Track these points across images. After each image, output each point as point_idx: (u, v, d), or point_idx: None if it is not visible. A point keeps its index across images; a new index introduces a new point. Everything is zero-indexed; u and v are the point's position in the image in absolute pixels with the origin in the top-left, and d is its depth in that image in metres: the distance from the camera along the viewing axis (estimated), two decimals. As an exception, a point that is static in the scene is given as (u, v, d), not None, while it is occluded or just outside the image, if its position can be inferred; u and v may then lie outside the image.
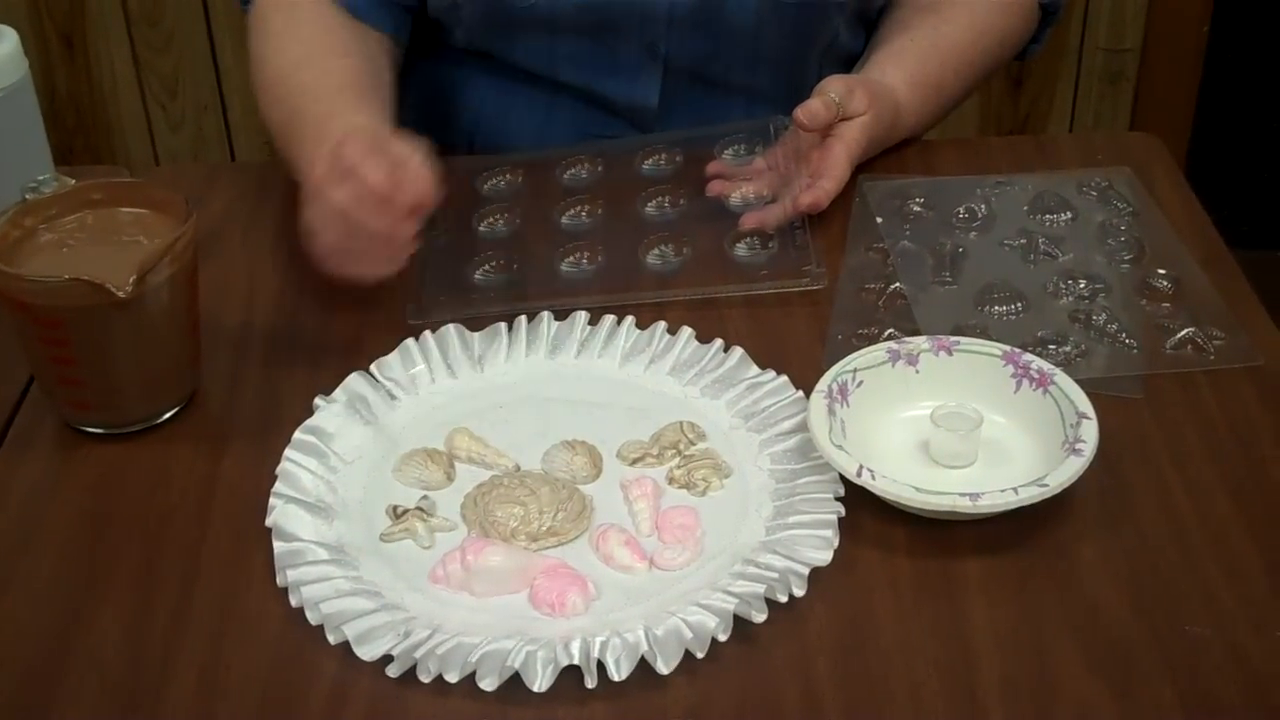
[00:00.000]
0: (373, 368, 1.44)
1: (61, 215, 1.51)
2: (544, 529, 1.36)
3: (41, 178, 1.56)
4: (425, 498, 1.42)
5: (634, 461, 1.40)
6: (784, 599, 1.29)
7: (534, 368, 1.46)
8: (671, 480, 1.36)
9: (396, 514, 1.40)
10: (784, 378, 1.40)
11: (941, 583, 1.30)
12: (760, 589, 1.28)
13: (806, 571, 1.31)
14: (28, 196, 1.50)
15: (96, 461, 1.41)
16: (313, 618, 1.30)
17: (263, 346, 1.54)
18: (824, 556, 1.33)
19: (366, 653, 1.26)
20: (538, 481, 1.40)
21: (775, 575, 1.29)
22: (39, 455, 1.43)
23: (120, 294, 1.38)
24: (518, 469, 1.45)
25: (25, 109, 1.60)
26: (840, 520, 1.35)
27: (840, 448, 1.38)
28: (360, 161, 1.31)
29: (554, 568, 1.34)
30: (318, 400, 1.46)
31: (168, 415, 1.44)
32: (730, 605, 1.27)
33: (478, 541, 1.34)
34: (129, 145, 3.26)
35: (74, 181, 1.54)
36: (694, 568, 1.34)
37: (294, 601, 1.31)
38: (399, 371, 1.43)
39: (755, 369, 1.41)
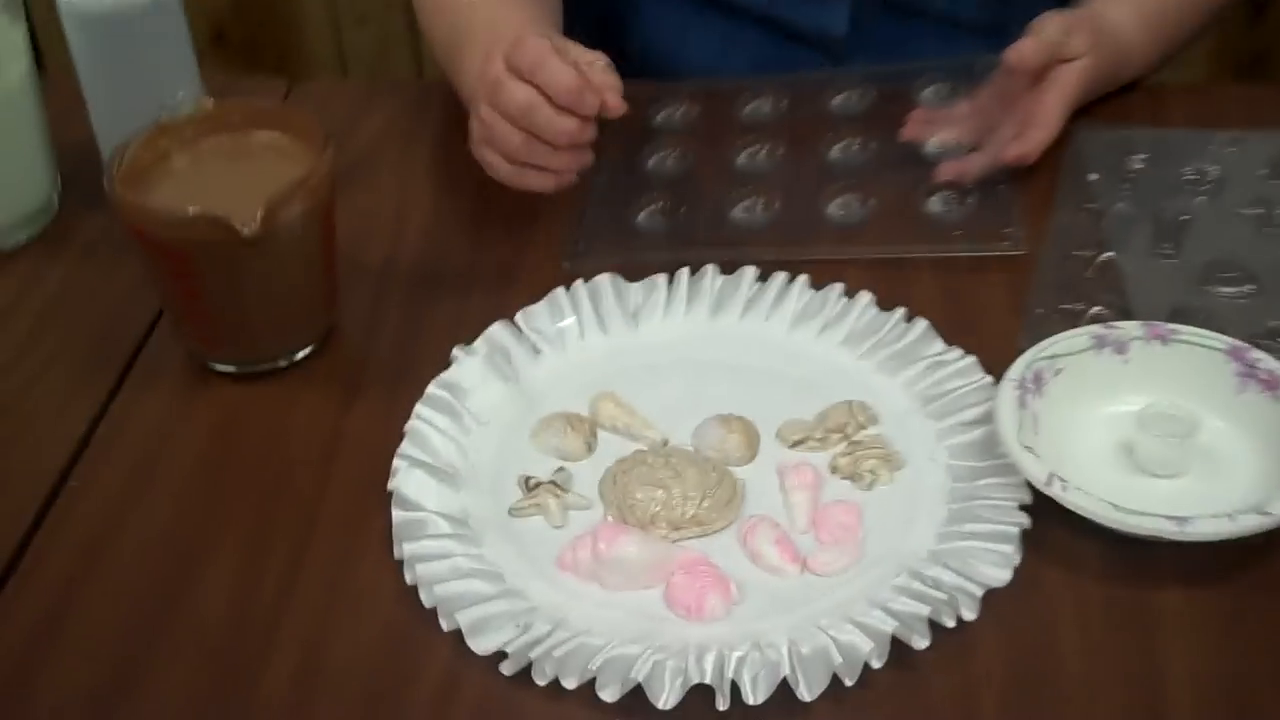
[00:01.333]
0: (518, 317, 1.32)
1: (198, 138, 1.41)
2: (688, 516, 1.22)
3: (180, 95, 1.45)
4: (561, 469, 1.29)
5: (795, 444, 1.24)
6: (950, 624, 1.13)
7: (693, 327, 1.31)
8: (835, 469, 1.20)
9: (529, 486, 1.27)
10: (972, 358, 1.26)
11: (1136, 615, 1.12)
12: (924, 611, 1.12)
13: (980, 593, 1.15)
14: (164, 117, 1.39)
15: (221, 402, 1.34)
16: (427, 599, 1.18)
17: (406, 285, 1.44)
18: (1002, 575, 1.16)
19: (480, 645, 1.13)
20: (685, 461, 1.26)
21: (943, 596, 1.13)
22: (164, 390, 1.36)
23: (245, 231, 1.27)
24: (665, 444, 1.29)
25: (170, 20, 1.48)
26: (1024, 533, 1.18)
27: (1029, 449, 1.20)
28: (545, 58, 1.20)
29: (694, 563, 1.19)
30: (456, 351, 1.32)
31: (300, 355, 1.36)
32: (888, 627, 1.11)
33: (612, 528, 1.20)
34: (310, 41, 3.17)
35: (212, 102, 1.42)
36: (851, 575, 1.18)
37: (409, 578, 1.20)
38: (546, 323, 1.31)
39: (940, 345, 1.27)
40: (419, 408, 1.32)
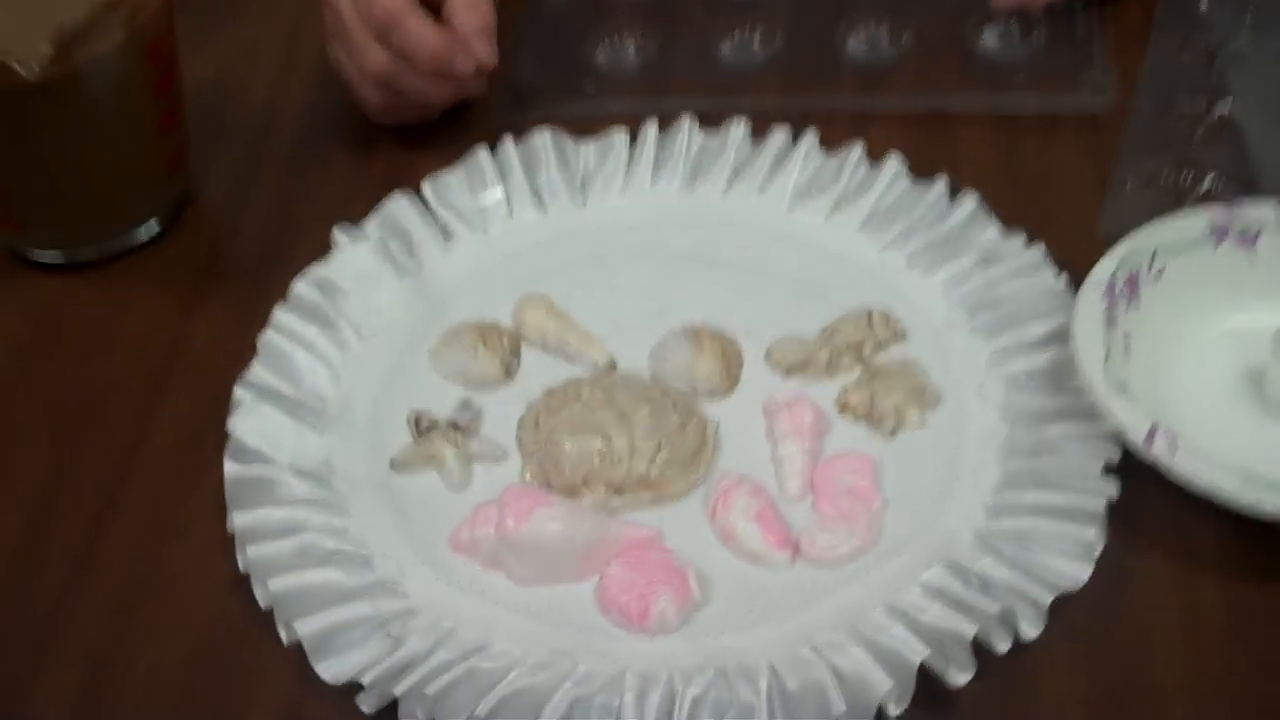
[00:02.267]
0: (425, 188, 1.04)
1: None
2: (635, 477, 0.86)
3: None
4: (467, 405, 0.93)
5: (790, 370, 0.90)
6: (1004, 647, 0.78)
7: (661, 203, 1.04)
8: (844, 408, 0.86)
9: (420, 428, 0.91)
10: (1039, 248, 0.97)
11: (1268, 625, 0.77)
12: (968, 629, 0.77)
13: (1049, 599, 0.79)
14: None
15: (36, 302, 1.07)
16: (262, 597, 0.83)
17: (287, 146, 1.17)
18: (1078, 573, 0.81)
19: (329, 669, 0.79)
20: (635, 396, 0.90)
21: (993, 605, 0.79)
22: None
23: (27, 73, 0.91)
24: (612, 368, 0.94)
25: None
26: (1110, 508, 0.82)
27: (1123, 388, 0.84)
28: (400, 18, 1.02)
29: (641, 546, 0.85)
30: (338, 233, 0.98)
31: (141, 239, 1.09)
32: (915, 656, 0.76)
33: (526, 494, 0.85)
34: None
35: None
36: (862, 567, 0.83)
37: (241, 564, 0.85)
38: (462, 196, 1.04)
39: (995, 229, 0.99)
40: (277, 313, 0.97)
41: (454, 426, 0.93)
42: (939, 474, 0.89)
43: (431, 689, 0.78)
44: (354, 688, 0.80)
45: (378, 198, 1.02)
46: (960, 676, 0.78)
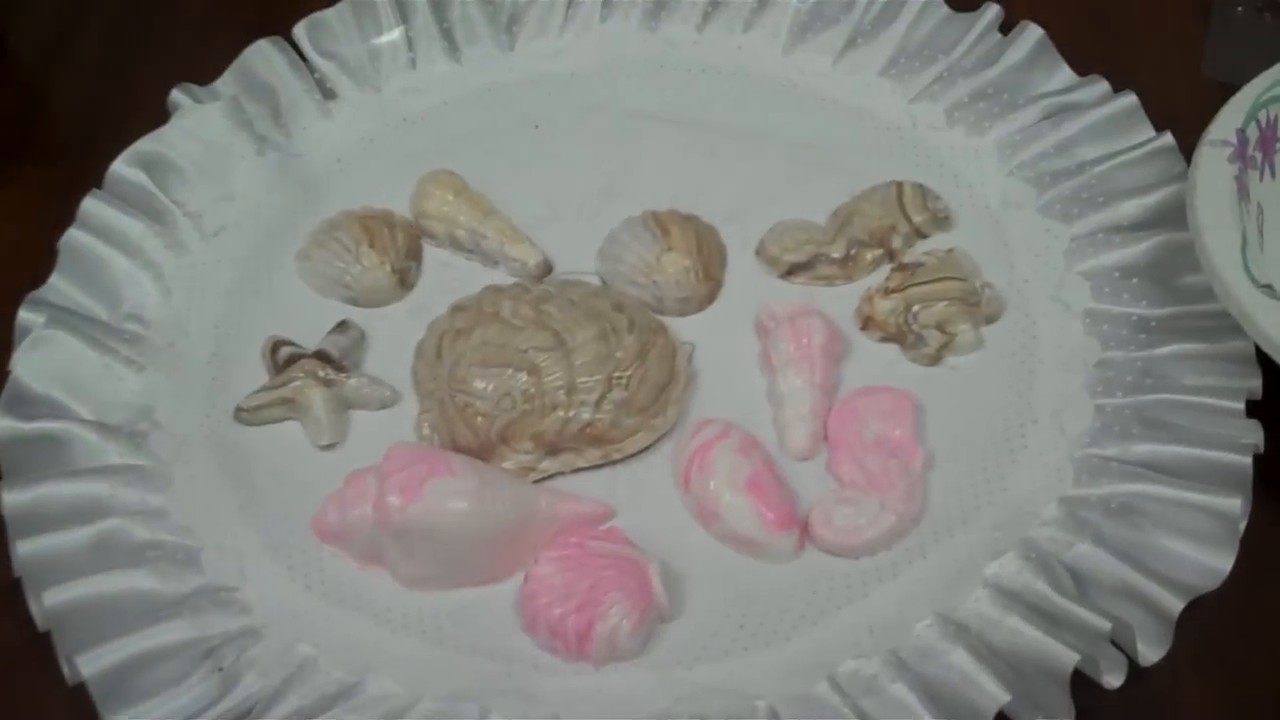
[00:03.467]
0: (299, 31, 0.81)
1: None
2: (575, 428, 0.60)
3: None
4: (345, 329, 0.66)
5: (791, 270, 0.65)
6: (1115, 682, 0.52)
7: (613, 46, 0.83)
8: (868, 322, 0.62)
9: (277, 361, 0.65)
10: (1128, 96, 0.72)
11: None
12: (1065, 661, 0.52)
13: (1179, 608, 0.53)
14: None
15: None
16: (37, 615, 0.57)
17: None
18: (1217, 563, 0.56)
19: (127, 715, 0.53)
20: (576, 313, 0.64)
21: (1099, 621, 0.53)
22: None
23: None
24: (545, 272, 0.67)
25: None
26: (1257, 465, 0.56)
27: (1267, 287, 0.57)
28: None
29: (583, 531, 0.58)
30: (177, 95, 0.77)
31: None
32: (987, 702, 0.50)
33: (417, 456, 0.59)
34: None
35: None
36: (903, 554, 0.58)
37: (13, 565, 0.58)
38: (349, 42, 0.82)
39: (1066, 72, 0.75)
40: (87, 205, 0.70)
41: (324, 359, 0.66)
42: (1005, 416, 0.63)
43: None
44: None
45: (238, 48, 0.75)
46: (1042, 727, 0.53)
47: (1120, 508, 0.59)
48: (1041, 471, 0.62)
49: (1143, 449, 0.61)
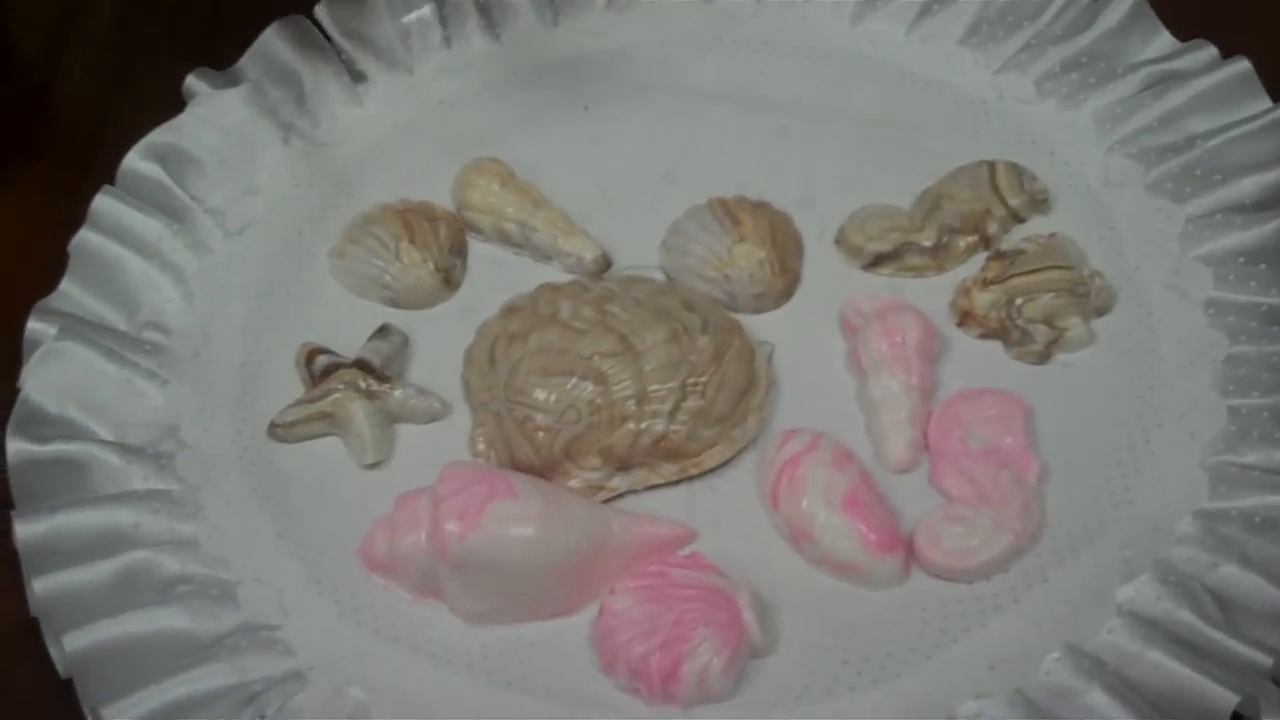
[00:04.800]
0: (321, 10, 0.74)
1: None
2: (648, 441, 0.54)
3: None
4: (386, 334, 0.60)
5: (876, 260, 0.57)
6: (1282, 726, 0.46)
7: (665, 19, 0.76)
8: (966, 317, 0.54)
9: (314, 371, 0.58)
10: (1240, 62, 0.66)
11: None
12: (1222, 701, 0.45)
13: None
14: None
15: None
16: (58, 659, 0.51)
17: None
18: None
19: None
20: (643, 312, 0.57)
21: (1253, 657, 0.47)
22: None
23: None
24: (604, 267, 0.61)
25: None
26: None
27: None
28: None
29: (662, 557, 0.52)
30: (194, 80, 0.70)
31: None
32: None
33: (475, 477, 0.53)
34: None
35: None
36: (1023, 577, 0.52)
37: (30, 604, 0.52)
38: (377, 20, 0.75)
39: (1168, 37, 0.70)
40: (99, 203, 0.64)
41: (365, 368, 0.60)
42: (1126, 420, 0.56)
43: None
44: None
45: (256, 30, 0.70)
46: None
47: (1265, 523, 0.53)
48: (1172, 482, 0.55)
49: (1286, 454, 0.54)
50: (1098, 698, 0.49)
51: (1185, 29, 0.69)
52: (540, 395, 0.58)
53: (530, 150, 0.69)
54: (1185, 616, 0.50)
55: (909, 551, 0.54)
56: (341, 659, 0.54)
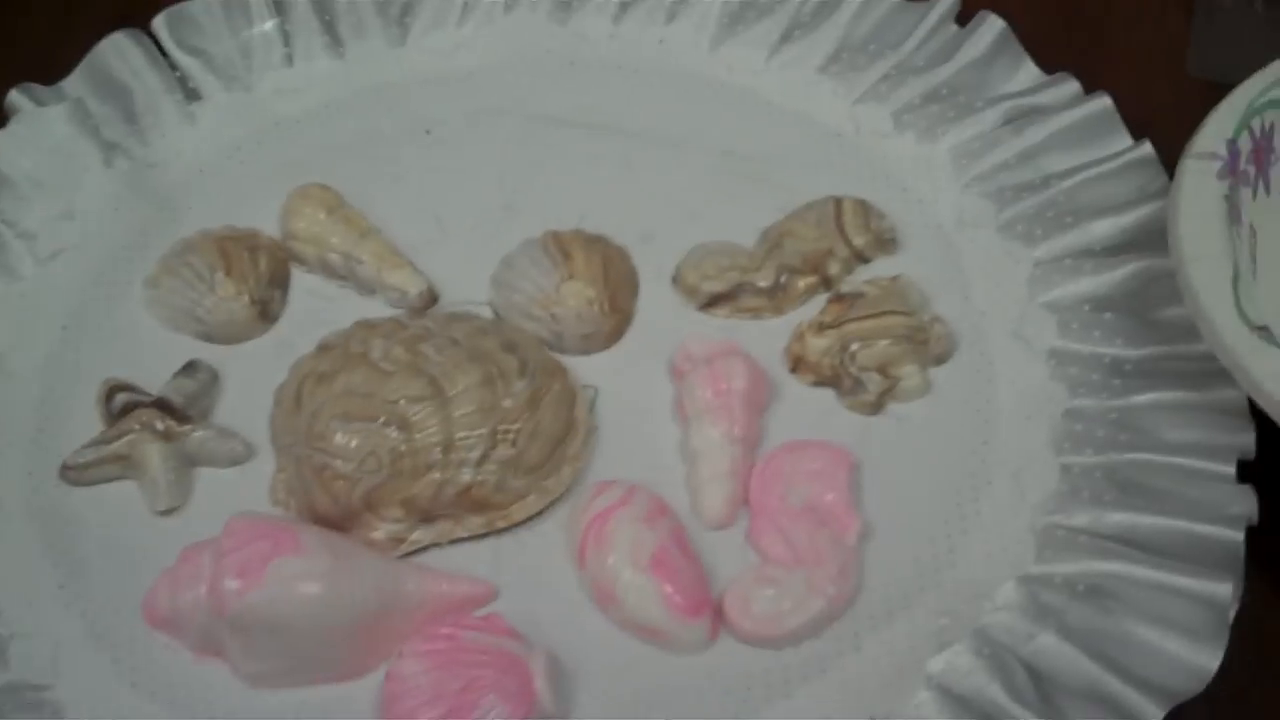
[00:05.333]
0: (159, 24, 0.71)
1: None
2: (453, 491, 0.51)
3: None
4: (193, 371, 0.56)
5: (712, 301, 0.53)
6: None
7: (519, 40, 0.74)
8: (799, 363, 0.51)
9: (112, 408, 0.55)
10: (1101, 98, 0.64)
11: None
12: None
13: (1161, 714, 0.44)
14: None
15: None
16: None
17: None
18: (1204, 660, 0.45)
19: None
20: (458, 353, 0.54)
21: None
22: None
23: None
24: (429, 301, 0.59)
25: None
26: (1247, 541, 0.47)
27: (1266, 330, 0.48)
28: None
29: (456, 618, 0.49)
30: (16, 96, 0.68)
31: None
32: None
33: (261, 530, 0.50)
34: None
35: None
36: (834, 646, 0.49)
37: None
38: (217, 35, 0.72)
39: (1034, 70, 0.68)
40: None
41: (164, 408, 0.57)
42: (956, 477, 0.53)
43: None
44: None
45: (92, 42, 0.65)
46: None
47: (1089, 590, 0.50)
48: (998, 544, 0.53)
49: (1117, 519, 0.52)
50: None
51: (1051, 61, 0.66)
52: (340, 441, 0.54)
53: (366, 176, 0.66)
54: (995, 693, 0.47)
55: (716, 615, 0.51)
56: (114, 722, 0.51)
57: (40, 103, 0.67)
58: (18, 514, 0.56)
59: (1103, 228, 0.60)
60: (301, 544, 0.51)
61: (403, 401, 0.55)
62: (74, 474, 0.57)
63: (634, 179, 0.65)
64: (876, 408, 0.57)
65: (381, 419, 0.54)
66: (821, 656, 0.51)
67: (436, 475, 0.54)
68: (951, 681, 0.48)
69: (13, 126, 0.66)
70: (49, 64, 0.70)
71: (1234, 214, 0.55)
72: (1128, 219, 0.60)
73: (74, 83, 0.69)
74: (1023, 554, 0.52)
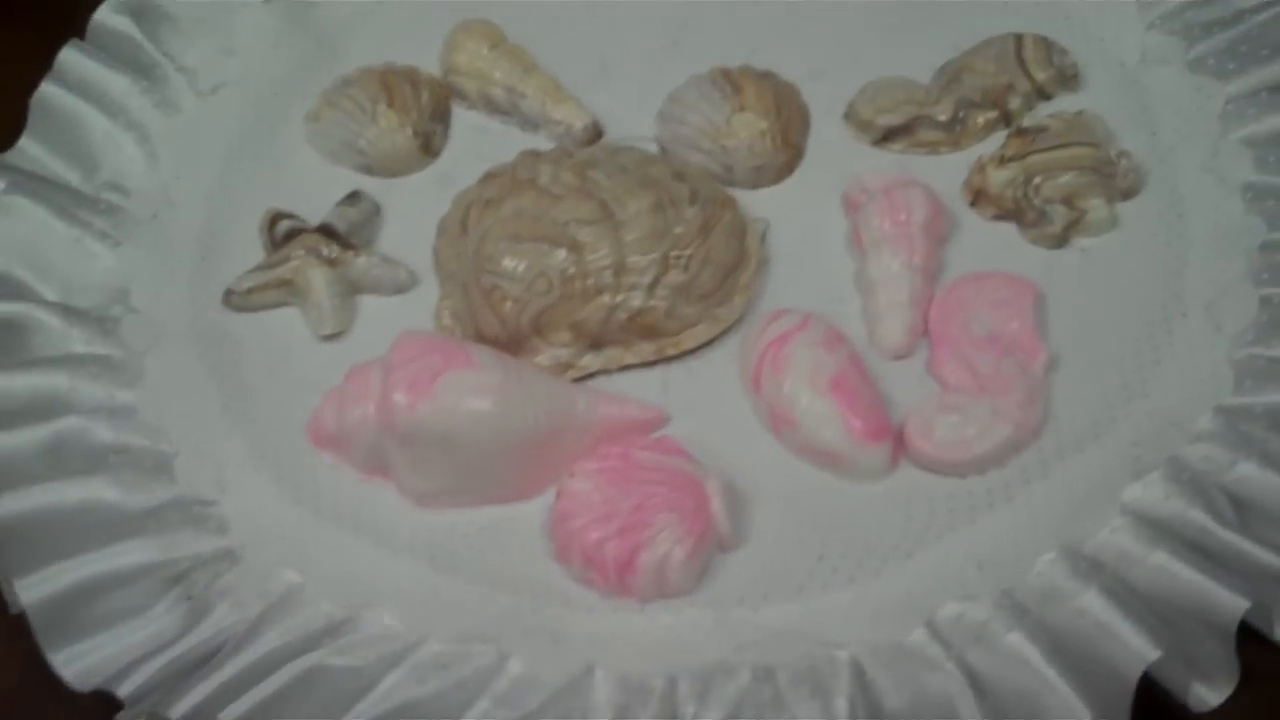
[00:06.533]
0: None
1: None
2: (624, 316, 0.50)
3: None
4: (355, 200, 0.55)
5: (887, 136, 0.52)
6: (1296, 638, 0.41)
7: None
8: (979, 196, 0.49)
9: (275, 236, 0.54)
10: None
11: None
12: (1231, 607, 0.40)
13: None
14: None
15: None
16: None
17: None
18: None
19: (71, 667, 0.45)
20: (628, 180, 0.52)
21: (1267, 561, 0.43)
22: None
23: None
24: (594, 135, 0.57)
25: None
26: None
27: None
28: None
29: (629, 440, 0.48)
30: None
31: None
32: (1133, 662, 0.38)
33: (431, 347, 0.48)
34: None
35: None
36: (1021, 473, 0.48)
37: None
38: None
39: None
40: (64, 56, 0.60)
41: (329, 234, 0.56)
42: (1147, 309, 0.51)
43: (243, 707, 0.42)
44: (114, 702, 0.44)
45: None
46: (1213, 695, 0.42)
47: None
48: (1193, 376, 0.50)
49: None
50: (1093, 600, 0.44)
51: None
52: (509, 263, 0.53)
53: (526, 13, 0.64)
54: (1196, 516, 0.45)
55: (898, 441, 0.50)
56: (278, 538, 0.50)
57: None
58: (181, 338, 0.56)
59: (1301, 66, 0.57)
60: (473, 359, 0.50)
61: (573, 224, 0.53)
62: (238, 299, 0.56)
63: (801, 15, 0.63)
64: (1061, 241, 0.54)
65: (551, 241, 0.53)
66: (1008, 484, 0.49)
67: (607, 299, 0.53)
68: (1148, 507, 0.46)
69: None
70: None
71: None
72: (1334, 51, 0.57)
73: (236, -79, 0.68)
74: (1220, 384, 0.50)
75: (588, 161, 0.56)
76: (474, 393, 0.49)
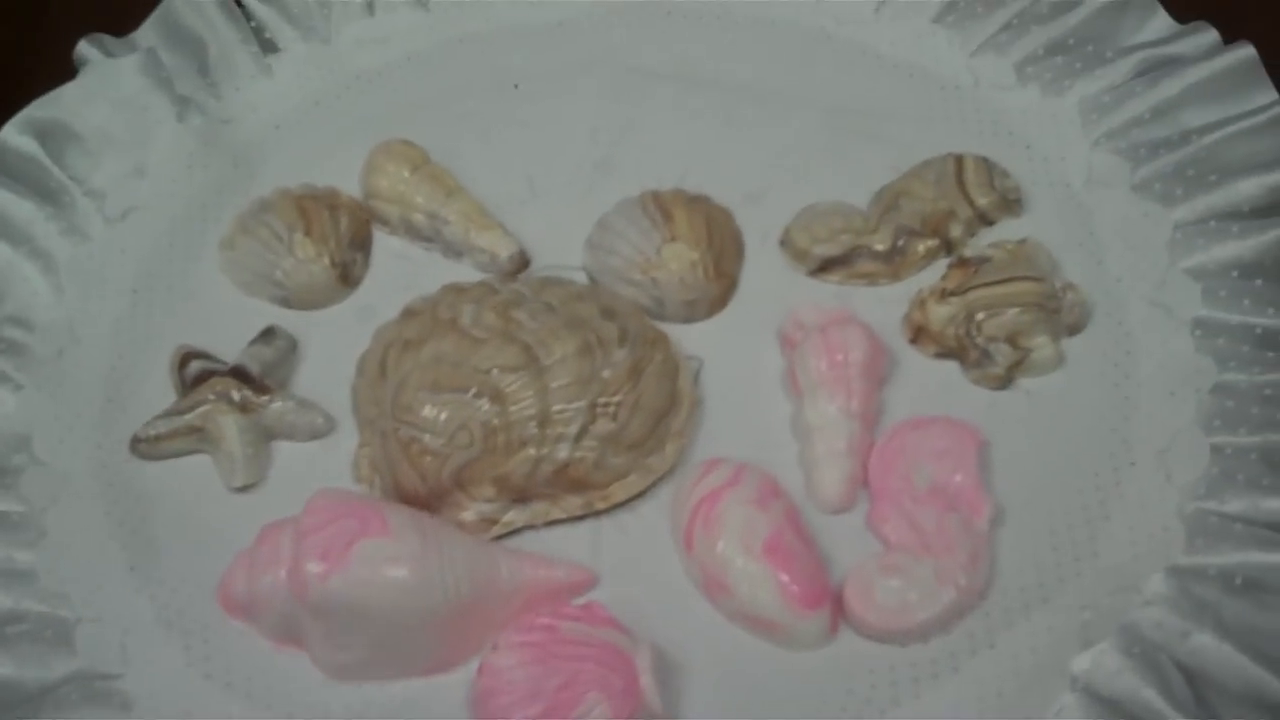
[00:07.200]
0: None
1: None
2: (550, 469, 0.47)
3: None
4: (269, 334, 0.53)
5: (822, 267, 0.51)
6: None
7: None
8: (920, 333, 0.46)
9: (185, 378, 0.52)
10: (1246, 49, 0.59)
11: None
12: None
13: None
14: None
15: None
16: None
17: None
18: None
19: None
20: (554, 319, 0.50)
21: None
22: None
23: None
24: (520, 264, 0.55)
25: None
26: None
27: None
28: None
29: (555, 608, 0.44)
30: (84, 46, 0.65)
31: None
32: None
33: (346, 508, 0.45)
34: None
35: None
36: (965, 642, 0.45)
37: None
38: None
39: (1166, 18, 0.63)
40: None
41: (241, 377, 0.53)
42: (1094, 457, 0.49)
43: None
44: None
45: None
46: None
47: (1247, 584, 0.46)
48: (1143, 532, 0.48)
49: (1275, 505, 0.47)
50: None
51: (1184, 9, 0.61)
52: (429, 413, 0.51)
53: (451, 133, 0.62)
54: (1149, 697, 0.43)
55: (837, 605, 0.48)
56: (185, 716, 0.47)
57: (110, 54, 0.64)
58: (85, 491, 0.53)
59: (1249, 187, 0.55)
60: (389, 524, 0.48)
61: (495, 371, 0.51)
62: (145, 447, 0.53)
63: (736, 136, 0.61)
64: (1005, 381, 0.53)
65: (473, 390, 0.51)
66: (953, 654, 0.47)
67: (532, 451, 0.50)
68: (1099, 683, 0.44)
69: (82, 78, 0.63)
70: (120, 14, 0.66)
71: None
72: (1276, 177, 0.55)
73: (146, 33, 0.65)
74: (1171, 542, 0.48)
75: (512, 300, 0.54)
76: (391, 562, 0.47)
